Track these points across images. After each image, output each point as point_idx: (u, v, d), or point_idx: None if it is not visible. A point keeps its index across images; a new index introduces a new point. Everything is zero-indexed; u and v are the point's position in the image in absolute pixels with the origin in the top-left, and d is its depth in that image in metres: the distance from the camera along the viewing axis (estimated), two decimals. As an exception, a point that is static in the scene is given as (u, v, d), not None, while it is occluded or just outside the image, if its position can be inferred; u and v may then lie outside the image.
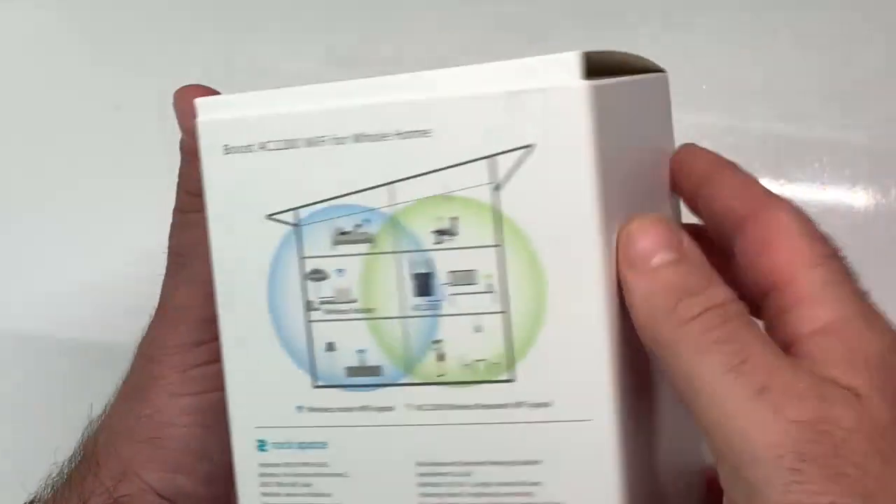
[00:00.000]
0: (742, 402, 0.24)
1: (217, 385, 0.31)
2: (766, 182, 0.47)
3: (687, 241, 0.28)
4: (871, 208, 0.47)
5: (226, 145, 0.28)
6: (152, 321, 0.35)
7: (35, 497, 0.35)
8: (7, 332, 0.47)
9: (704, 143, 0.31)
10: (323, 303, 0.28)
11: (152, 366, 0.34)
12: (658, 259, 0.27)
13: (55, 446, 0.35)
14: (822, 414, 0.24)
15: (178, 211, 0.34)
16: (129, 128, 0.49)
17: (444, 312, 0.27)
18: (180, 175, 0.33)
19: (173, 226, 0.34)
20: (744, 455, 0.24)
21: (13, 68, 0.50)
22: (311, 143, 0.28)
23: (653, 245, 0.27)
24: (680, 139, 0.32)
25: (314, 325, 0.28)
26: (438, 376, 0.27)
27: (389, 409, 0.28)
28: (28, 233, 0.48)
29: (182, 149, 0.33)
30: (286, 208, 0.28)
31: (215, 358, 0.30)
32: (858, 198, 0.47)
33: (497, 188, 0.26)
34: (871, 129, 0.47)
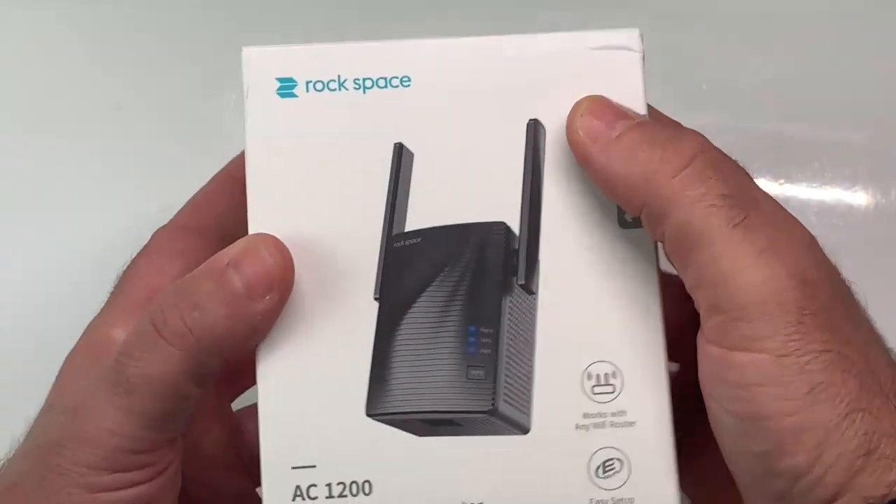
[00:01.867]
0: (751, 258, 0.25)
1: None
2: (765, 182, 0.48)
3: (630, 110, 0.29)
4: (871, 208, 0.47)
5: None
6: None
7: None
8: (5, 332, 0.47)
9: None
10: None
11: (54, 477, 0.27)
12: (622, 125, 0.28)
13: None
14: (816, 274, 0.26)
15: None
16: (129, 128, 0.49)
17: None
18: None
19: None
20: (750, 308, 0.25)
21: (13, 68, 0.50)
22: None
23: (613, 116, 0.28)
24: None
25: None
26: None
27: None
28: (27, 232, 0.48)
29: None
30: None
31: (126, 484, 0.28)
32: (858, 198, 0.47)
33: None
34: (871, 129, 0.47)
